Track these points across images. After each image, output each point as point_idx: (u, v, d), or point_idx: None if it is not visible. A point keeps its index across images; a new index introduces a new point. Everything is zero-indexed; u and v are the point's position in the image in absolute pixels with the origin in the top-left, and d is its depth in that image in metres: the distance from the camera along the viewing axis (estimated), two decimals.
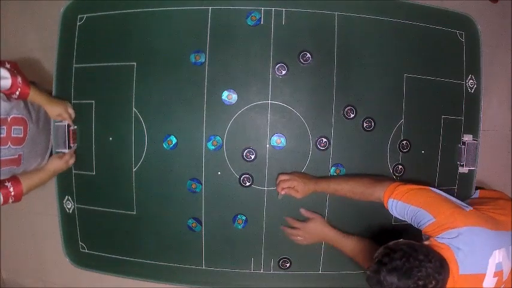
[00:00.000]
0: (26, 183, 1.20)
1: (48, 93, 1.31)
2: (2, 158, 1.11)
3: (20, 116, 1.17)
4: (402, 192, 1.05)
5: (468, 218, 0.97)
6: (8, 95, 1.13)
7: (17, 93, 1.13)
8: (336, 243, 1.21)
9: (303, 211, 1.25)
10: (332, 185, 1.18)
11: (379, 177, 1.19)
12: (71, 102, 1.30)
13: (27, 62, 2.01)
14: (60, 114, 1.25)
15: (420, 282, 0.83)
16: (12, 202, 1.18)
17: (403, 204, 1.04)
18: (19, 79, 1.13)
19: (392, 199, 1.06)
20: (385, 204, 1.09)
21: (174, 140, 1.25)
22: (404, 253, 0.86)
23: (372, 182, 1.14)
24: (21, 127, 1.17)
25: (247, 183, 1.25)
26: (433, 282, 0.84)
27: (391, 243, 0.92)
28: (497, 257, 0.94)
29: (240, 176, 1.25)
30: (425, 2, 1.31)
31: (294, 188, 1.19)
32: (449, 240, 0.93)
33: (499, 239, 0.96)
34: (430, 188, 1.07)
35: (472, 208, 1.01)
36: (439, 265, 0.87)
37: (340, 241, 1.20)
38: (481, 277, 0.94)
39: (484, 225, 0.96)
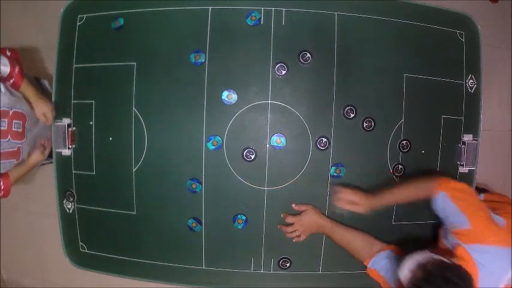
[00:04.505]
0: (13, 177, 1.24)
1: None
2: (2, 151, 1.14)
3: (20, 111, 1.19)
4: (454, 188, 1.06)
5: (499, 236, 0.98)
6: (3, 81, 1.15)
7: (11, 81, 1.17)
8: (329, 232, 1.22)
9: (295, 206, 1.25)
10: (390, 198, 1.18)
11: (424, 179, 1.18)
12: (70, 102, 1.30)
13: (27, 62, 2.01)
14: (45, 114, 1.26)
15: None
16: (1, 197, 1.20)
17: (449, 202, 1.04)
18: (16, 69, 1.17)
19: (444, 192, 1.05)
20: (434, 196, 1.08)
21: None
22: (444, 279, 0.86)
23: (421, 181, 1.13)
24: (20, 122, 1.20)
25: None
26: None
27: (424, 260, 0.90)
28: (510, 273, 0.97)
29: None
30: (425, 2, 1.31)
31: (356, 202, 1.19)
32: (477, 255, 0.95)
33: None
34: (474, 191, 1.08)
35: (505, 223, 1.02)
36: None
37: (333, 230, 1.21)
38: None
39: (509, 245, 0.98)
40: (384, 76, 1.27)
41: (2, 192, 1.20)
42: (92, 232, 1.35)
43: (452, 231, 1.01)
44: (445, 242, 1.07)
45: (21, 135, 1.20)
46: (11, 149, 1.17)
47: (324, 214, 1.25)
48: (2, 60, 1.14)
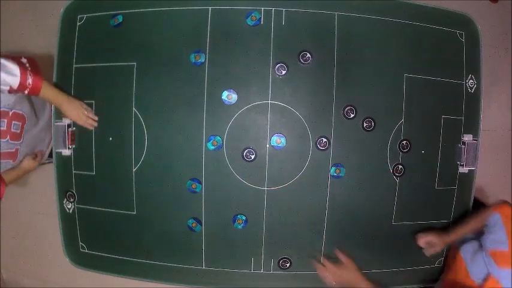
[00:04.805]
0: (6, 179, 1.22)
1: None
2: (1, 151, 1.13)
3: (20, 112, 1.18)
4: (508, 213, 1.13)
5: None
6: (15, 92, 1.10)
7: (26, 92, 1.12)
8: None
9: (338, 254, 1.17)
10: (459, 231, 1.24)
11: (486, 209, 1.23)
12: None
13: None
14: (77, 119, 1.24)
15: None
16: None
17: (500, 222, 1.11)
18: (29, 80, 1.09)
19: (499, 213, 1.13)
20: (491, 215, 1.15)
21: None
22: None
23: (484, 211, 1.19)
24: (20, 123, 1.19)
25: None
26: None
27: None
28: None
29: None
30: (425, 2, 1.31)
31: (433, 243, 1.25)
32: (505, 281, 1.00)
33: None
34: None
35: None
36: None
37: None
38: None
39: None
40: (384, 76, 1.27)
41: None
42: (92, 232, 1.35)
43: (491, 251, 1.06)
44: (469, 267, 1.10)
45: (18, 136, 1.19)
46: (9, 150, 1.17)
47: (363, 275, 1.14)
48: (11, 70, 1.06)
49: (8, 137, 1.14)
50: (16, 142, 1.19)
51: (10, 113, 1.13)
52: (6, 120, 1.12)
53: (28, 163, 1.27)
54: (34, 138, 1.28)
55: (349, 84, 1.25)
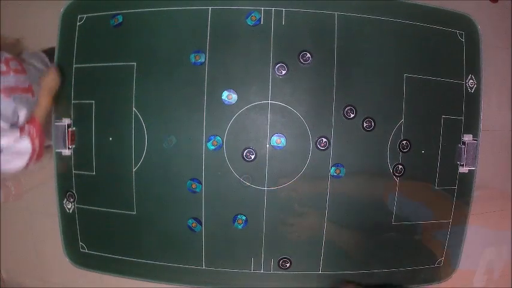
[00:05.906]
0: (39, 116, 1.21)
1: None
2: (11, 85, 1.13)
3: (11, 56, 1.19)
4: None
5: None
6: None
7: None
8: None
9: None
10: None
11: None
12: (70, 103, 1.30)
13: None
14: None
15: None
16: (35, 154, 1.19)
17: None
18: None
19: None
20: None
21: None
22: None
23: None
24: (16, 62, 1.19)
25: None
26: None
27: None
28: None
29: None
30: (425, 2, 1.31)
31: None
32: None
33: None
34: None
35: None
36: None
37: None
38: None
39: None
40: (384, 76, 1.27)
41: (33, 141, 1.17)
42: (92, 232, 1.35)
43: None
44: None
45: (22, 70, 1.19)
46: (22, 85, 1.17)
47: None
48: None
49: (12, 72, 1.15)
50: (23, 76, 1.18)
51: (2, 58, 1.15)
52: (2, 64, 1.13)
53: (46, 80, 1.24)
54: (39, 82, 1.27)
55: (349, 84, 1.25)
